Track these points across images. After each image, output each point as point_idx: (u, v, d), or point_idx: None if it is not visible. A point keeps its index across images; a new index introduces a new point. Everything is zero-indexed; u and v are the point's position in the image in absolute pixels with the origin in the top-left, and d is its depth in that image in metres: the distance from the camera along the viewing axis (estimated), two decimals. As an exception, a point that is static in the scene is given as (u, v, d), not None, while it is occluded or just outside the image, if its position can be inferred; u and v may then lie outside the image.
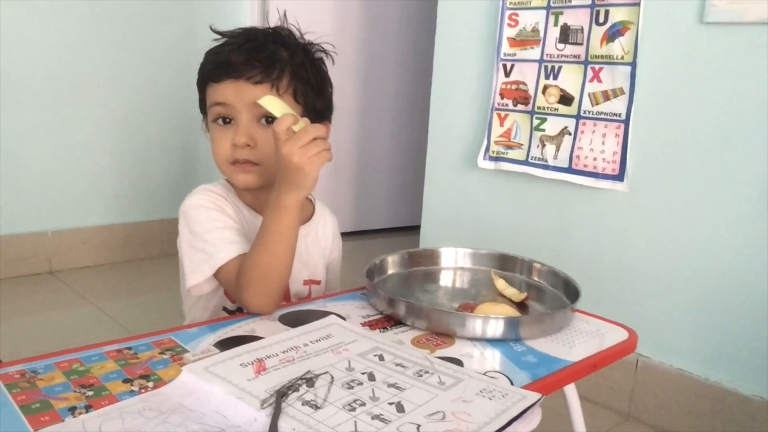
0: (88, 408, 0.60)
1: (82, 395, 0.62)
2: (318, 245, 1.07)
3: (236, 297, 0.90)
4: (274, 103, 0.81)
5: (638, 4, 1.42)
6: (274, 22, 1.01)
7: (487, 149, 1.74)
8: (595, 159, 1.52)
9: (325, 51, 1.01)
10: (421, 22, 2.81)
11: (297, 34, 0.99)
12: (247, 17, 2.28)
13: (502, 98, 1.70)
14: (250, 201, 1.00)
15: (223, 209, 0.95)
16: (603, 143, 1.50)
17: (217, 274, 0.90)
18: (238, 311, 0.96)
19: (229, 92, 0.92)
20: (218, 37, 0.98)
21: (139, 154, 2.39)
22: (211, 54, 0.97)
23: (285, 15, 1.01)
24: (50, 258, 2.19)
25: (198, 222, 0.92)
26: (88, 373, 0.66)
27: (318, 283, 1.07)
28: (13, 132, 2.08)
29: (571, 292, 0.95)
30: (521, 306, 0.93)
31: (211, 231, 0.91)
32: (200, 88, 0.99)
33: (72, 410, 0.59)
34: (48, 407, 0.60)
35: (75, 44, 2.17)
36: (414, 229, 2.08)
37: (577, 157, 1.55)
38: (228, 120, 0.94)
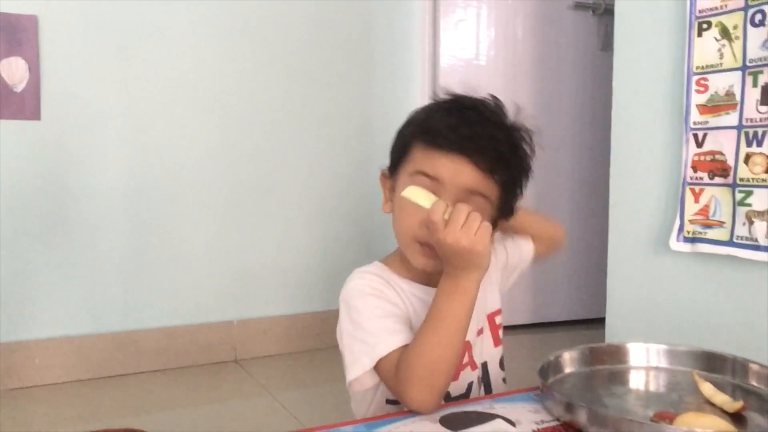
0: None
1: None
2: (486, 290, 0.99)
3: (395, 392, 0.83)
4: (419, 194, 0.81)
5: None
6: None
7: (681, 229, 1.54)
8: (821, 236, 1.27)
9: (531, 137, 0.96)
10: (596, 96, 2.68)
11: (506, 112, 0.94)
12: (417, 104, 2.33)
13: (695, 171, 1.51)
14: (408, 274, 0.94)
15: (382, 292, 0.90)
16: (830, 217, 1.26)
17: (376, 367, 0.84)
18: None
19: (447, 169, 0.85)
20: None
21: (320, 247, 2.49)
22: (436, 113, 0.90)
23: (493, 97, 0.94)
24: (235, 347, 2.31)
25: (358, 310, 0.88)
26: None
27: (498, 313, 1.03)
28: (207, 229, 2.27)
29: (804, 401, 0.76)
30: (737, 418, 0.76)
31: (372, 319, 0.86)
32: (406, 142, 0.91)
33: None
34: None
35: (265, 147, 2.36)
36: (599, 321, 1.89)
37: (797, 234, 1.31)
38: None
